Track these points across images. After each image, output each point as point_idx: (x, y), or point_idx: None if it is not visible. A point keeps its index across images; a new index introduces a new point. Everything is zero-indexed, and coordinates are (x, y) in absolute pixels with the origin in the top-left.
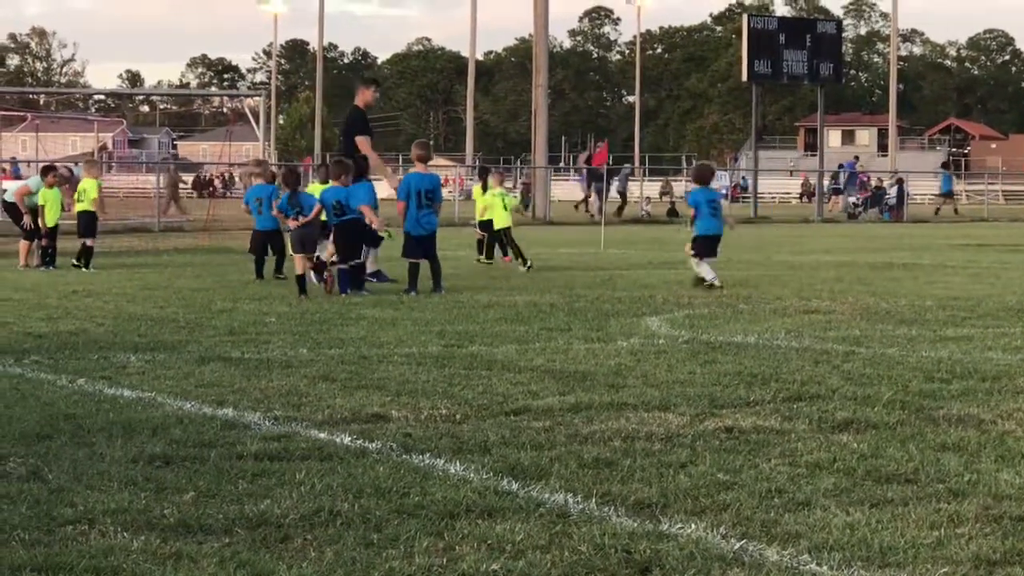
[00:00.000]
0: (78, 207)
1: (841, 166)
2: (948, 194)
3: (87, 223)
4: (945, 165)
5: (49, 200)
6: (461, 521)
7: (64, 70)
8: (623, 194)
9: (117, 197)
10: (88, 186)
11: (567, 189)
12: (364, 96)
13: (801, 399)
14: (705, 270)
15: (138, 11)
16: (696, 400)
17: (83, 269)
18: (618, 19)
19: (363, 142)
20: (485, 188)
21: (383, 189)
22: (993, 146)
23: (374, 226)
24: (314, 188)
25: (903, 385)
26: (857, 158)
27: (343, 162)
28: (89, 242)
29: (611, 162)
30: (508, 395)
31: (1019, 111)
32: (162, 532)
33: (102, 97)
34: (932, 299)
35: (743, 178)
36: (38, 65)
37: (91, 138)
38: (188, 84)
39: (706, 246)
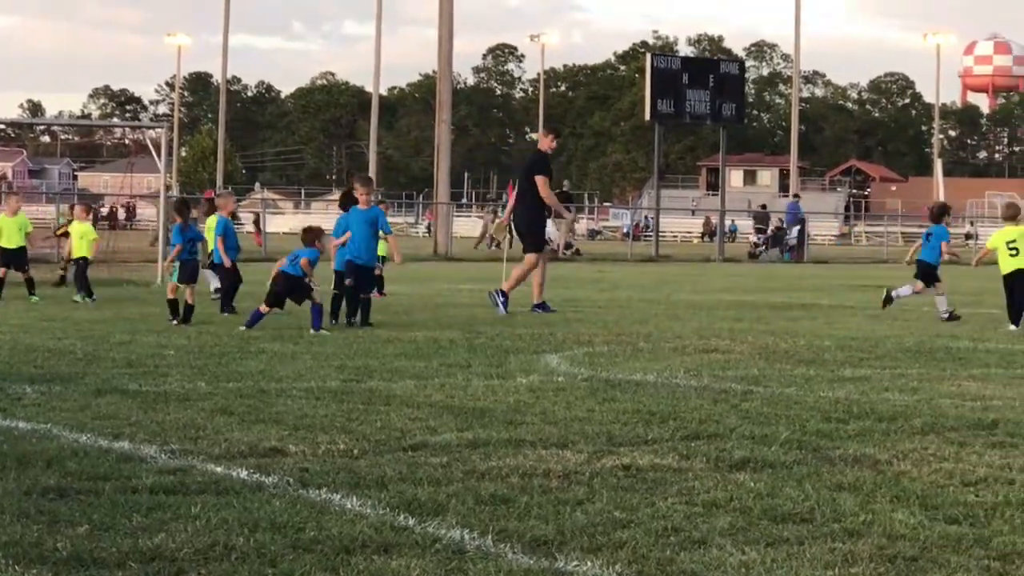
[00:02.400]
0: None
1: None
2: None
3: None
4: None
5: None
6: (357, 556)
7: None
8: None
9: None
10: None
11: (469, 225)
12: (545, 142)
13: (699, 438)
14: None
15: (40, 41)
16: (594, 438)
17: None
18: (522, 56)
19: (542, 182)
20: None
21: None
22: (893, 188)
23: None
24: (210, 221)
25: (800, 425)
26: (797, 196)
27: (312, 229)
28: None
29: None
30: (406, 431)
31: (918, 154)
32: (54, 566)
33: (2, 126)
34: (831, 339)
35: (645, 217)
36: None
37: None
38: (90, 115)
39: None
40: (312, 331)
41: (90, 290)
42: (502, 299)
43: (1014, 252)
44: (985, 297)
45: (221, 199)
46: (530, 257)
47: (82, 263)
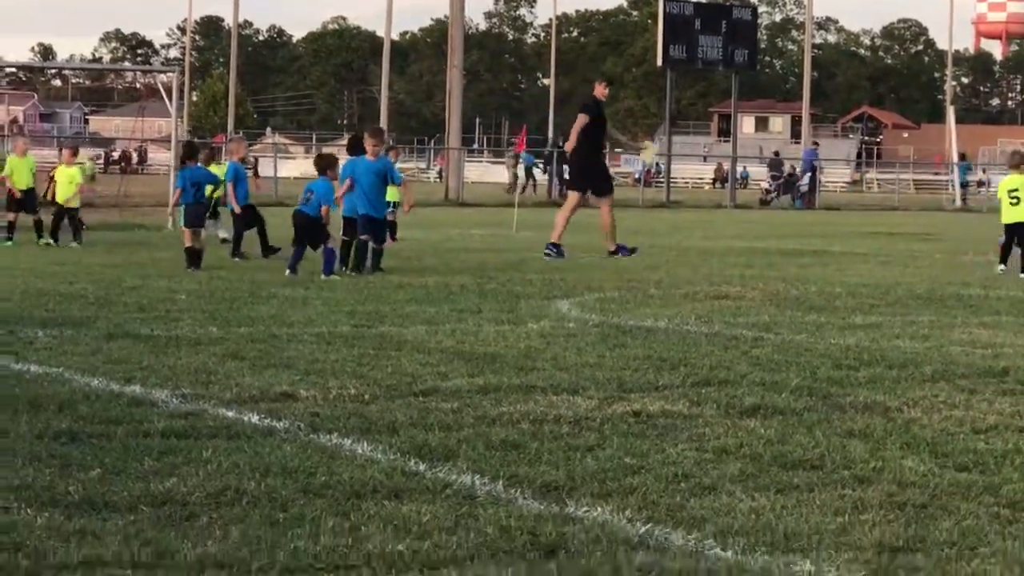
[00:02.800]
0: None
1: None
2: (964, 185)
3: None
4: (963, 156)
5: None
6: (368, 501)
7: None
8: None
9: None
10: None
11: (480, 171)
12: (599, 89)
13: (709, 384)
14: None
15: None
16: (605, 384)
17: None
18: (534, 1)
19: (581, 118)
20: None
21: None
22: (905, 135)
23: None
24: (217, 169)
25: (811, 372)
26: (816, 144)
27: (326, 156)
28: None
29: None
30: (417, 376)
31: (931, 101)
32: (66, 509)
33: (13, 70)
34: (841, 286)
35: (657, 163)
36: None
37: (2, 111)
38: (101, 59)
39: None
40: (323, 276)
41: (77, 232)
42: (555, 251)
43: (1015, 200)
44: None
45: (233, 144)
46: (571, 195)
47: (63, 209)
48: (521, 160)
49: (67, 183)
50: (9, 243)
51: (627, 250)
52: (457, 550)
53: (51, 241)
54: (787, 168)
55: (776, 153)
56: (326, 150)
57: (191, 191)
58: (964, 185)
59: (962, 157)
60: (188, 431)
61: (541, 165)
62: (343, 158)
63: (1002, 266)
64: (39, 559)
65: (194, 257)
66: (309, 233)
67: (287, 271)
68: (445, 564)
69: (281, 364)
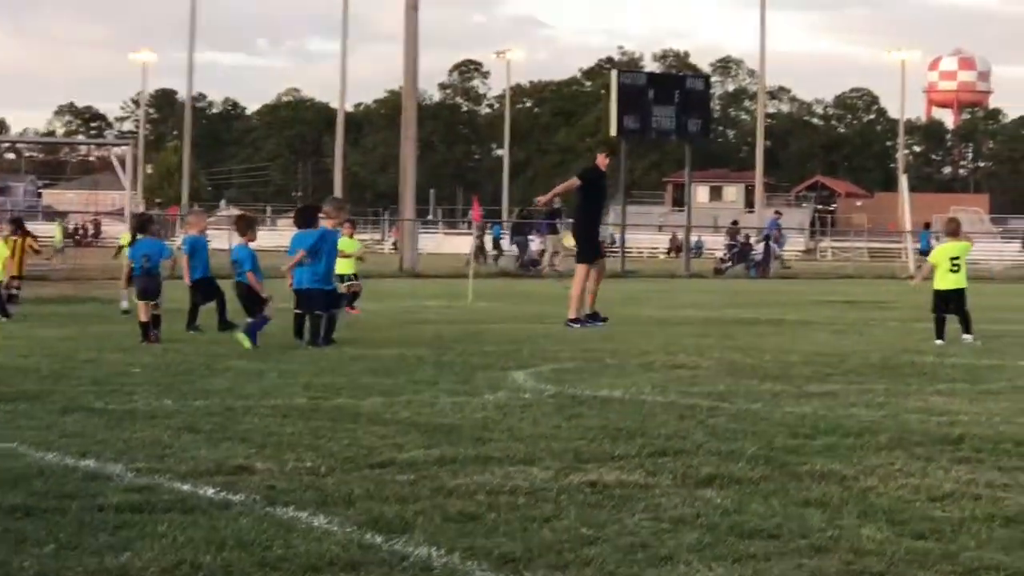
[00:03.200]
0: None
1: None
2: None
3: None
4: (927, 224)
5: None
6: (324, 574)
7: None
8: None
9: None
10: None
11: (435, 242)
12: (600, 159)
13: (666, 454)
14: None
15: (3, 57)
16: (561, 454)
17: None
18: (487, 72)
19: (571, 180)
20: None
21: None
22: (859, 203)
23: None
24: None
25: (767, 440)
26: (779, 212)
27: (245, 217)
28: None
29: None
30: (373, 448)
31: (884, 169)
32: None
33: None
34: (797, 355)
35: (611, 233)
36: None
37: None
38: (55, 132)
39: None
40: (238, 333)
41: (5, 310)
42: (578, 325)
43: (955, 268)
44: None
45: (193, 216)
46: (579, 268)
47: None
48: (489, 232)
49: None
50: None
51: (585, 323)
52: None
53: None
54: (742, 237)
55: (734, 222)
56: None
57: (140, 262)
58: (925, 252)
59: (926, 226)
60: (143, 505)
61: (507, 235)
62: (293, 230)
63: (939, 340)
64: None
65: (148, 329)
66: (247, 300)
67: (226, 331)
68: None
69: (237, 437)
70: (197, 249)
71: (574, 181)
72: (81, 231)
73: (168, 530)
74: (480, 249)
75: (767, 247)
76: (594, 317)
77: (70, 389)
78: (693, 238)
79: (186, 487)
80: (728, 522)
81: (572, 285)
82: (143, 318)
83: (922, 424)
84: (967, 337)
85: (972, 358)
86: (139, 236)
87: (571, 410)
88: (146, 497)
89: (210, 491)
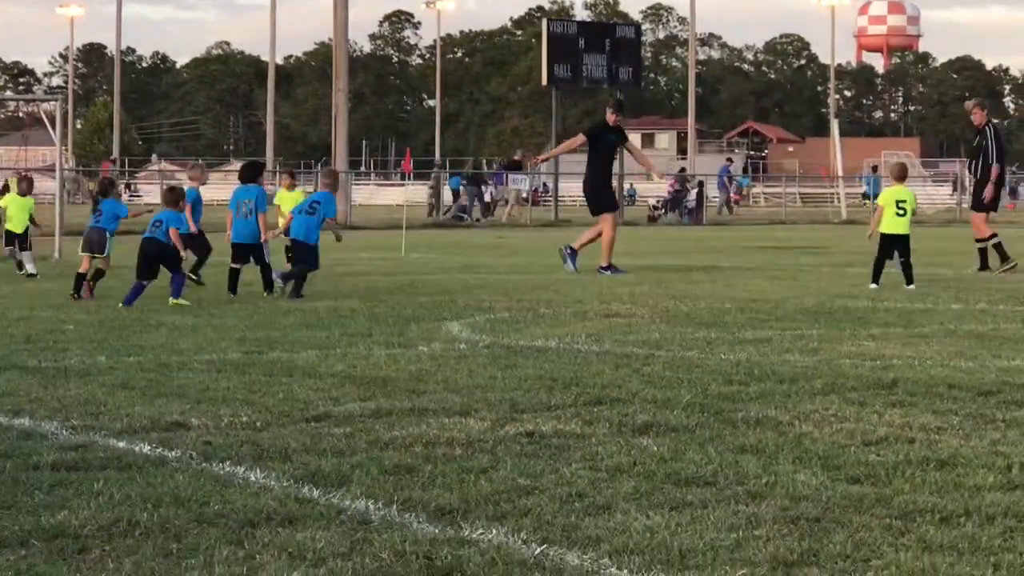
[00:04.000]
0: None
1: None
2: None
3: None
4: (875, 168)
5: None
6: (262, 529)
7: None
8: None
9: None
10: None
11: (368, 193)
12: (608, 115)
13: (602, 403)
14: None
15: None
16: (497, 405)
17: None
18: (419, 23)
19: (577, 137)
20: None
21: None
22: (790, 149)
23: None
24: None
25: (702, 388)
26: (730, 159)
27: (174, 189)
28: None
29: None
30: (309, 401)
31: (815, 115)
32: None
33: None
34: (731, 302)
35: (543, 182)
36: None
37: None
38: None
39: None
40: (172, 299)
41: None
42: (570, 253)
43: (902, 212)
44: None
45: (195, 171)
46: (604, 218)
47: None
48: (445, 183)
49: None
50: None
51: (620, 270)
52: None
53: None
54: (693, 184)
55: (682, 170)
56: (213, 175)
57: (108, 220)
58: (874, 197)
59: (874, 169)
60: (79, 463)
61: (464, 184)
62: (226, 192)
63: (874, 284)
64: None
65: (80, 283)
66: (164, 259)
67: (122, 303)
68: None
69: (172, 393)
70: (195, 203)
71: (578, 138)
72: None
73: (104, 488)
74: (436, 201)
75: (700, 193)
76: (612, 268)
77: (2, 347)
78: (626, 186)
79: (121, 444)
80: (665, 470)
81: (603, 233)
82: (82, 270)
83: (856, 369)
84: (910, 288)
85: (905, 302)
86: (100, 199)
87: (506, 360)
88: (81, 455)
89: (146, 448)
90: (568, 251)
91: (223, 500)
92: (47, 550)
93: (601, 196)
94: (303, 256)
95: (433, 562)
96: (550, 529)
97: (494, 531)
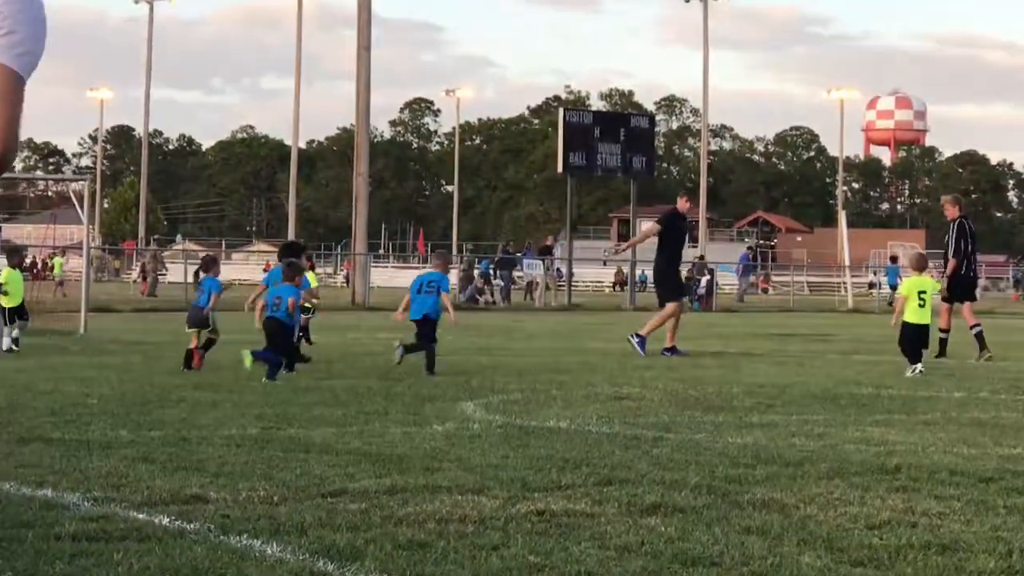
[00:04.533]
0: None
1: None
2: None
3: None
4: (894, 259)
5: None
6: None
7: None
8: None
9: None
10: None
11: (386, 275)
12: (680, 202)
13: (611, 483)
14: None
15: None
16: (509, 484)
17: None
18: (438, 110)
19: (651, 225)
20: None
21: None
22: (799, 239)
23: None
24: None
25: (710, 470)
26: (751, 248)
27: (294, 264)
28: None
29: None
30: (325, 477)
31: (823, 206)
32: None
33: None
34: (739, 386)
35: (557, 269)
36: None
37: None
38: (13, 168)
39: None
40: (264, 380)
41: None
42: (638, 341)
43: (922, 303)
44: (889, 345)
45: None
46: (669, 306)
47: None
48: (477, 267)
49: None
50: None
51: (681, 352)
52: None
53: None
54: (707, 273)
55: (701, 257)
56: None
57: (206, 297)
58: (893, 288)
59: (893, 260)
60: (99, 534)
61: (493, 269)
62: (248, 273)
63: (920, 366)
64: None
65: (189, 358)
66: (274, 335)
67: (265, 380)
68: None
69: (191, 467)
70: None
71: (653, 226)
72: (39, 265)
73: (124, 558)
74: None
75: (710, 280)
76: (674, 350)
77: (27, 419)
78: (638, 272)
79: (141, 516)
80: (672, 550)
81: (668, 318)
82: (191, 346)
83: (860, 454)
84: (914, 373)
85: (909, 390)
86: (202, 275)
87: (519, 440)
88: (102, 526)
89: (165, 520)
90: (636, 339)
91: (240, 573)
92: None
93: (670, 284)
94: (427, 332)
95: None
96: None
97: None
